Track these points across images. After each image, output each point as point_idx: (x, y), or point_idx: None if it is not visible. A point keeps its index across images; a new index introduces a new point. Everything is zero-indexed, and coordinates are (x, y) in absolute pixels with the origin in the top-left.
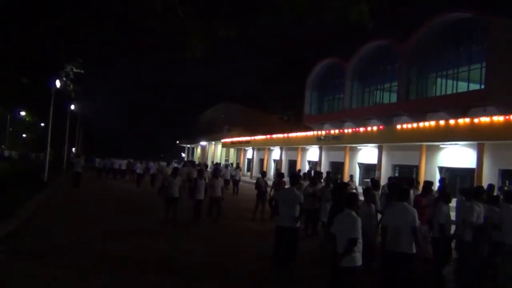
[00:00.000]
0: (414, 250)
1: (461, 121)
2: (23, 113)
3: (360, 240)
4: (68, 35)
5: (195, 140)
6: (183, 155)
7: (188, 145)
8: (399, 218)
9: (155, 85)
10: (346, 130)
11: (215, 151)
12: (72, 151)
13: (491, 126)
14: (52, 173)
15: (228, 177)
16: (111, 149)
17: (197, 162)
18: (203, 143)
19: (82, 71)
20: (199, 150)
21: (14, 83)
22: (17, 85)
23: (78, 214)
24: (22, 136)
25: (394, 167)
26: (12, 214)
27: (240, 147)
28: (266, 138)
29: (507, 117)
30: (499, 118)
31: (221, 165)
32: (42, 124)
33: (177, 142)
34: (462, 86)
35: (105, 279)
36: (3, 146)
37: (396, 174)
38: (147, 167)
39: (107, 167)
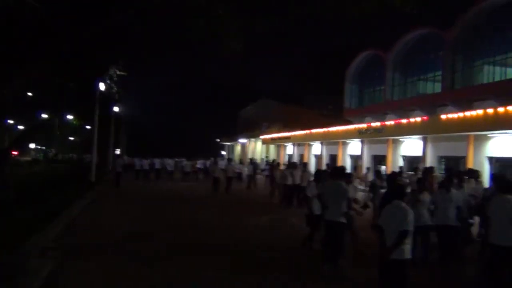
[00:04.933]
0: None
1: (511, 108)
2: (70, 117)
3: (411, 232)
4: (110, 37)
5: (235, 137)
6: (223, 153)
7: (228, 143)
8: None
9: (195, 84)
10: (388, 123)
11: (255, 148)
12: (116, 152)
13: None
14: (99, 173)
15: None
16: (154, 149)
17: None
18: (243, 140)
19: (125, 74)
20: (239, 147)
21: (61, 88)
22: (64, 90)
23: (122, 211)
24: (70, 139)
25: (440, 158)
26: (62, 213)
27: (280, 143)
28: (306, 133)
29: None
30: None
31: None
32: (89, 127)
33: (217, 140)
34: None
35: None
36: (52, 150)
37: (443, 166)
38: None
39: (144, 167)
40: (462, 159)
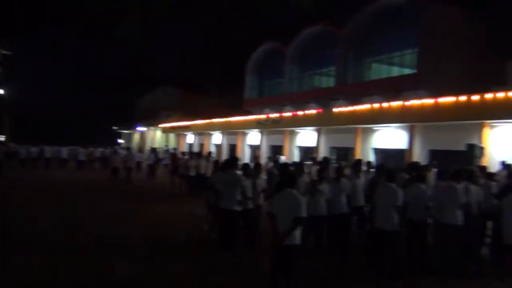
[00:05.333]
0: None
1: (393, 104)
2: None
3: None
4: None
5: (133, 125)
6: (121, 141)
7: (126, 131)
8: None
9: (91, 69)
10: (285, 114)
11: (154, 137)
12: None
13: (422, 109)
14: None
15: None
16: (46, 136)
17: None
18: (142, 128)
19: (10, 53)
20: (137, 136)
21: None
22: None
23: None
24: None
25: (332, 149)
26: None
27: (180, 132)
28: (206, 122)
29: (436, 100)
30: (429, 101)
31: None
32: None
33: (114, 127)
34: (396, 71)
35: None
36: None
37: (334, 156)
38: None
39: (32, 156)
40: (351, 150)
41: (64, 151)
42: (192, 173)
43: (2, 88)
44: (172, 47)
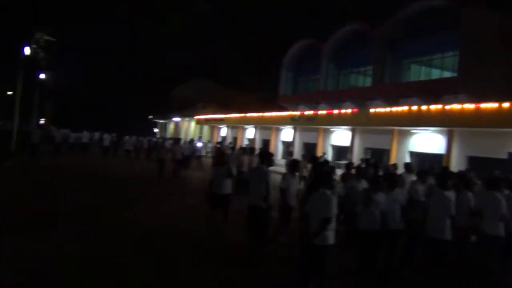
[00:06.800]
0: None
1: (433, 107)
2: None
3: (333, 219)
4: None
5: (167, 115)
6: (156, 130)
7: (161, 121)
8: None
9: (127, 58)
10: (320, 112)
11: (189, 128)
12: (40, 122)
13: (462, 114)
14: (20, 143)
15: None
16: (80, 121)
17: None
18: (176, 119)
19: (54, 40)
20: (172, 126)
21: None
22: None
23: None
24: None
25: (366, 150)
26: None
27: (214, 124)
28: (241, 116)
29: (477, 105)
30: (470, 106)
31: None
32: (10, 93)
33: (150, 116)
34: (435, 73)
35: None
36: None
37: (368, 157)
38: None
39: (70, 141)
40: (386, 152)
41: (107, 138)
42: (245, 169)
43: (45, 73)
44: (208, 40)
